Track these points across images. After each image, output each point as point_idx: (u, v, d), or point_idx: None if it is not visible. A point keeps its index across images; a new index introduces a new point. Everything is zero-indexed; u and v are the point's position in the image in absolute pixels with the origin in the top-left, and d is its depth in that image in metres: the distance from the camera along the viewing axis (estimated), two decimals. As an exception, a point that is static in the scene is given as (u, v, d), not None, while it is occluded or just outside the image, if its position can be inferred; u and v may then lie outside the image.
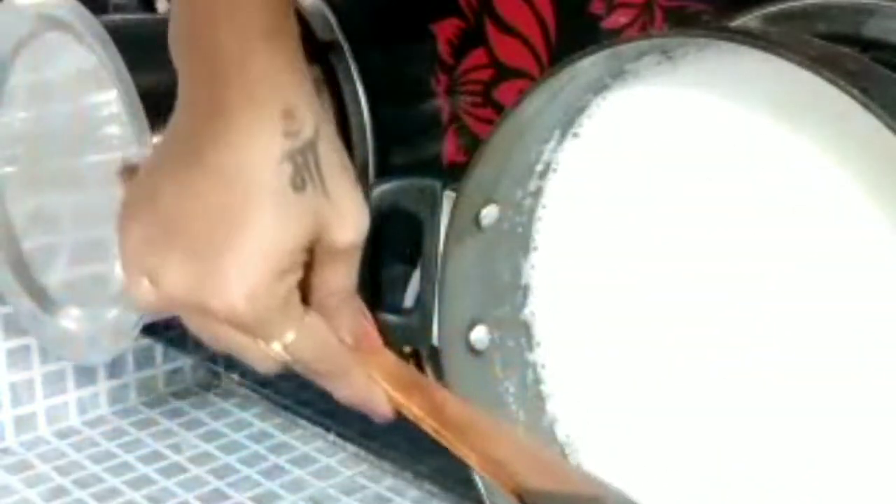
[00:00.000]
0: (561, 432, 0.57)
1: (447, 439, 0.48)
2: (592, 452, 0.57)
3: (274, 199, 0.44)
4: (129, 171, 0.50)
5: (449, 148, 0.72)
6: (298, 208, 0.45)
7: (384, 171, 0.72)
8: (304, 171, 0.45)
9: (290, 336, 0.47)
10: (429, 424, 0.48)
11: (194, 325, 0.48)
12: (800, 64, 0.40)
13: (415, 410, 0.49)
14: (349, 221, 0.47)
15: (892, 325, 0.45)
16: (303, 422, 0.85)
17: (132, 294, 0.48)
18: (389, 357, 0.51)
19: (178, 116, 0.47)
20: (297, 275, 0.46)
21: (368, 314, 0.51)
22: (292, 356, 0.47)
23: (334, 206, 0.46)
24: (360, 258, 0.49)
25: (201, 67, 0.46)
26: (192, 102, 0.46)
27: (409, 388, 0.50)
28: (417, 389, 0.50)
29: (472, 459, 0.47)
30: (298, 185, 0.45)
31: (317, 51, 0.74)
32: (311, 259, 0.47)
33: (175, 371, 0.92)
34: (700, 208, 0.51)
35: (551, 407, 0.57)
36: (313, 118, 0.46)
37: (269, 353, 0.47)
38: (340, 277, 0.48)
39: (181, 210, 0.45)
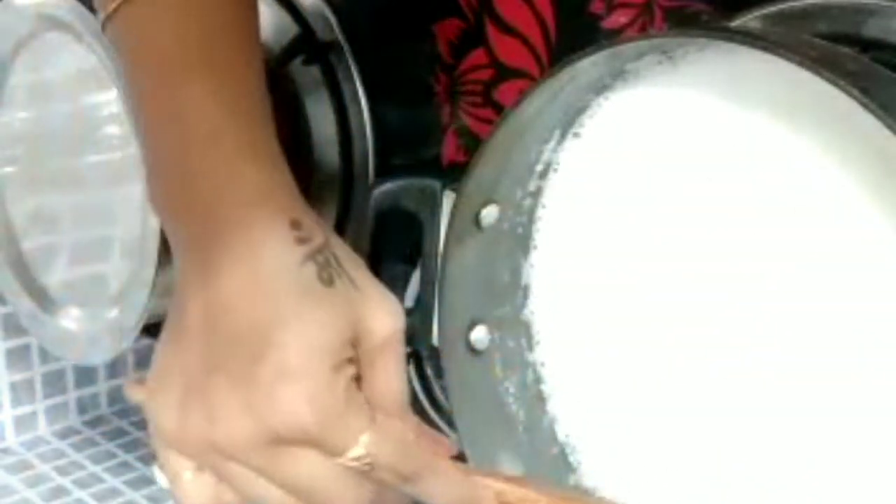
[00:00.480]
0: (561, 432, 0.57)
1: None
2: (592, 452, 0.57)
3: (306, 297, 0.43)
4: (137, 386, 0.48)
5: (449, 148, 0.72)
6: (333, 300, 0.44)
7: (384, 171, 0.72)
8: (328, 267, 0.44)
9: (365, 437, 0.43)
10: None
11: (263, 488, 0.43)
12: (800, 64, 0.40)
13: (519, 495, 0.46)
14: (385, 308, 0.46)
15: (893, 325, 0.45)
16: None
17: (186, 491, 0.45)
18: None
19: (181, 271, 0.46)
20: (352, 370, 0.44)
21: (427, 428, 0.48)
22: (375, 460, 0.43)
23: (366, 296, 0.45)
24: (404, 354, 0.47)
25: (194, 209, 0.45)
26: (191, 248, 0.45)
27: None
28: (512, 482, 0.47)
29: None
30: (326, 279, 0.44)
31: (317, 51, 0.74)
32: (357, 365, 0.45)
33: (175, 371, 0.92)
34: (700, 208, 0.51)
35: (551, 407, 0.57)
36: (319, 226, 0.45)
37: (350, 480, 0.43)
38: (391, 378, 0.46)
39: (212, 352, 0.43)
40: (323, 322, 0.43)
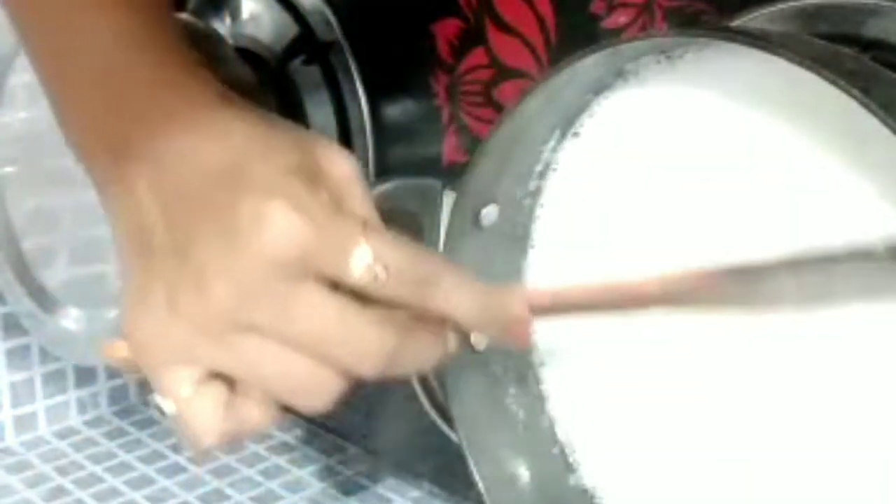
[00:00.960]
0: (561, 432, 0.57)
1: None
2: (592, 452, 0.56)
3: (261, 129, 0.41)
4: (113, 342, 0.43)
5: (449, 148, 0.72)
6: (287, 131, 0.42)
7: (384, 171, 0.72)
8: (266, 105, 0.43)
9: (365, 245, 0.38)
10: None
11: (256, 345, 0.39)
12: (800, 64, 0.40)
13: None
14: (338, 151, 0.42)
15: (893, 325, 0.45)
16: (303, 422, 0.85)
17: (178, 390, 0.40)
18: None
19: (107, 191, 0.44)
20: (326, 188, 0.40)
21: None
22: (384, 263, 0.39)
23: (316, 139, 0.42)
24: (368, 192, 0.43)
25: (120, 122, 0.43)
26: (119, 155, 0.43)
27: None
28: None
29: None
30: (274, 120, 0.42)
31: (317, 51, 0.74)
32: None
33: (175, 371, 0.92)
34: (699, 208, 0.51)
35: (551, 407, 0.57)
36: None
37: (368, 317, 0.38)
38: (365, 209, 0.42)
39: (181, 233, 0.40)
40: (286, 145, 0.40)
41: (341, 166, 0.41)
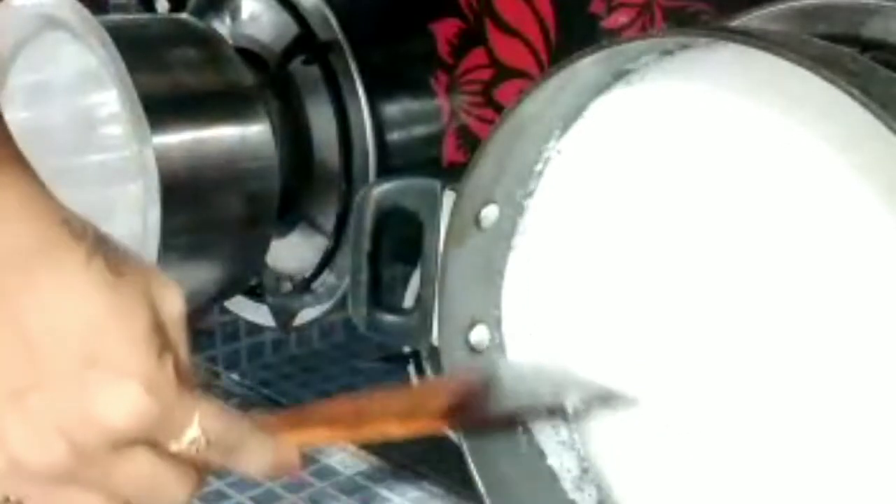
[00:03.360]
0: (560, 432, 0.57)
1: (365, 432, 0.48)
2: (592, 451, 0.56)
3: (105, 291, 0.42)
4: None
5: (449, 148, 0.72)
6: (131, 289, 0.42)
7: (384, 171, 0.73)
8: (112, 257, 0.42)
9: (197, 417, 0.43)
10: (342, 435, 0.49)
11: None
12: (800, 63, 0.40)
13: (321, 435, 0.49)
14: (171, 289, 0.44)
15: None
16: (303, 422, 0.85)
17: None
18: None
19: None
20: (171, 353, 0.43)
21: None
22: (209, 437, 0.43)
23: (152, 280, 0.44)
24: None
25: None
26: None
27: (298, 424, 0.48)
28: (303, 421, 0.49)
29: (393, 430, 0.48)
30: (115, 270, 0.42)
31: (317, 51, 0.74)
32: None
33: (175, 371, 0.92)
34: (701, 206, 0.51)
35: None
36: (82, 218, 0.44)
37: (179, 469, 0.43)
38: (187, 355, 0.45)
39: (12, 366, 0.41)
40: (132, 312, 0.42)
41: (173, 306, 0.44)
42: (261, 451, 0.45)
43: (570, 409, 0.51)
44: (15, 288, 0.41)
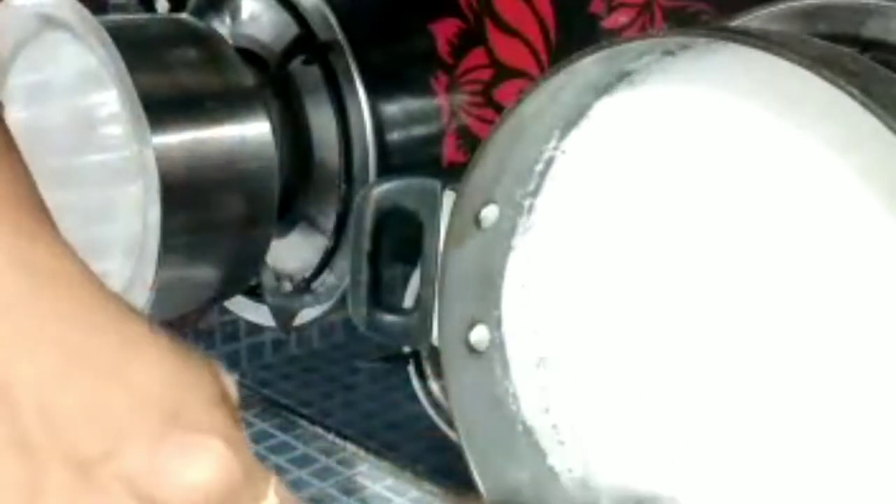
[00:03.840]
0: (561, 431, 0.57)
1: None
2: (592, 451, 0.56)
3: (173, 352, 0.40)
4: None
5: (449, 148, 0.72)
6: (192, 354, 0.41)
7: (384, 171, 0.73)
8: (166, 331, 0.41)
9: (272, 486, 0.41)
10: None
11: None
12: (800, 64, 0.40)
13: None
14: (224, 371, 0.43)
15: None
16: (303, 422, 0.85)
17: None
18: None
19: None
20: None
21: None
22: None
23: (206, 356, 0.42)
24: None
25: None
26: None
27: None
28: None
29: None
30: (175, 339, 0.40)
31: (317, 51, 0.74)
32: None
33: (175, 371, 0.92)
34: (702, 206, 0.51)
35: (552, 407, 0.57)
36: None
37: None
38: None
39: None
40: (203, 374, 0.40)
41: (230, 385, 0.42)
42: None
43: None
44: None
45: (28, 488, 0.37)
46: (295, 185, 0.76)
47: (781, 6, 0.51)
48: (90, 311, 0.40)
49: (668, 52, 0.49)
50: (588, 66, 0.48)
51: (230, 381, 0.42)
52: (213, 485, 0.38)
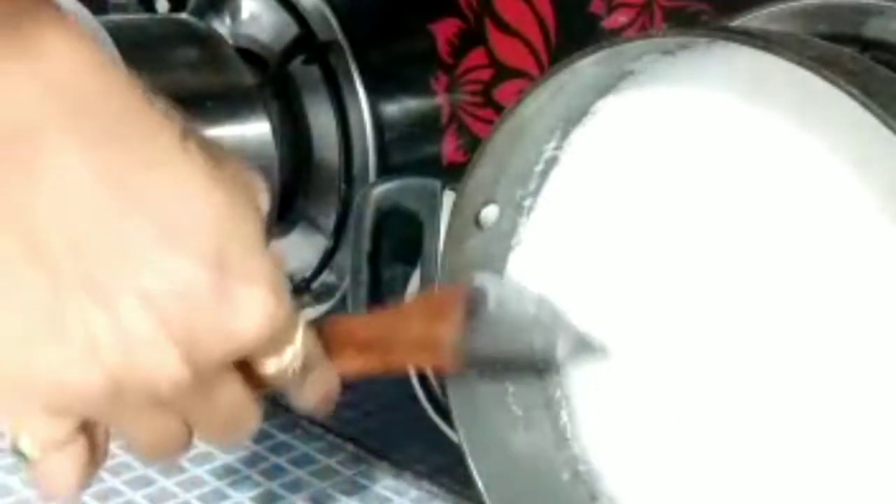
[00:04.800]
0: (561, 430, 0.57)
1: (391, 363, 0.46)
2: (593, 450, 0.57)
3: (212, 183, 0.36)
4: None
5: (449, 148, 0.72)
6: (233, 183, 0.37)
7: (384, 171, 0.73)
8: (207, 149, 0.36)
9: (300, 332, 0.39)
10: (369, 367, 0.45)
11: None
12: (800, 64, 0.40)
13: (352, 365, 0.45)
14: (261, 185, 0.40)
15: None
16: (303, 422, 0.85)
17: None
18: None
19: None
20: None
21: None
22: (306, 354, 0.40)
23: (243, 169, 0.39)
24: None
25: None
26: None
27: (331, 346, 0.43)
28: (335, 344, 0.44)
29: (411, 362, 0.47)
30: (213, 162, 0.36)
31: (317, 51, 0.74)
32: None
33: (175, 371, 0.92)
34: (702, 206, 0.51)
35: (552, 407, 0.57)
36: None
37: (255, 403, 0.40)
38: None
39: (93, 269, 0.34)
40: (245, 211, 0.37)
41: (264, 204, 0.40)
42: (324, 378, 0.42)
43: (558, 358, 0.49)
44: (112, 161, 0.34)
45: (49, 308, 0.34)
46: (295, 185, 0.76)
47: (781, 6, 0.51)
48: (122, 124, 0.35)
49: (669, 52, 0.49)
50: (588, 66, 0.48)
51: (263, 192, 0.39)
52: (258, 335, 0.37)
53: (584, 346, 0.50)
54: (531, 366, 0.50)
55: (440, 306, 0.47)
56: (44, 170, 0.34)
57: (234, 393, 0.39)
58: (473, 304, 0.47)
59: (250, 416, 0.40)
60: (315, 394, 0.43)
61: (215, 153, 0.37)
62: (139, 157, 0.35)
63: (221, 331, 0.36)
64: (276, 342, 0.39)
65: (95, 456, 0.40)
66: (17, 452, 0.38)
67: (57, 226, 0.34)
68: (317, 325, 0.43)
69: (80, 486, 0.39)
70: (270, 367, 0.39)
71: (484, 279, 0.48)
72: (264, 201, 0.39)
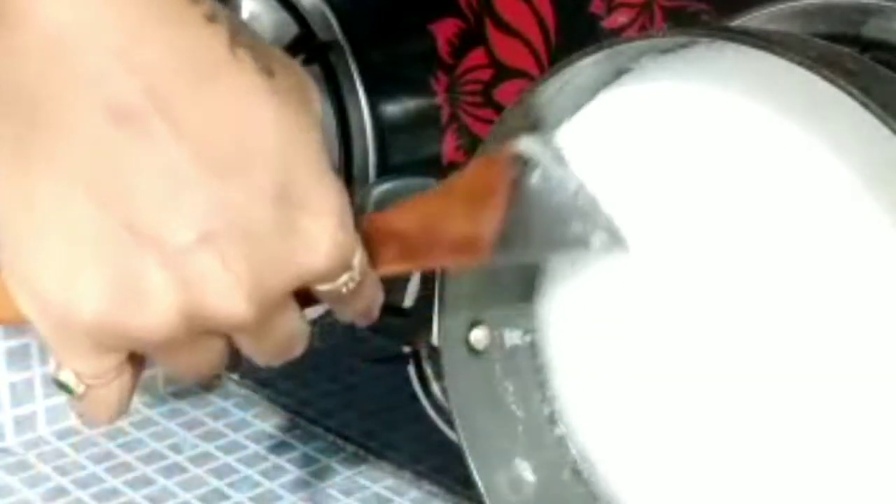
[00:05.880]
0: (561, 430, 0.57)
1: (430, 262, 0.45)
2: (593, 450, 0.57)
3: (268, 100, 0.33)
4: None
5: (449, 148, 0.72)
6: (289, 96, 0.34)
7: (384, 171, 0.73)
8: (257, 47, 0.33)
9: (359, 253, 0.38)
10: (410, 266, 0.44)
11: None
12: (800, 64, 0.40)
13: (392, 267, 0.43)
14: (316, 90, 0.37)
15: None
16: (303, 422, 0.85)
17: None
18: None
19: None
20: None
21: None
22: (361, 274, 0.38)
23: (301, 75, 0.36)
24: None
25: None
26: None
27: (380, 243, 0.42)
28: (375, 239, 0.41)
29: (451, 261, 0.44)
30: (267, 69, 0.34)
31: (317, 51, 0.74)
32: None
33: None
34: (701, 206, 0.51)
35: (551, 406, 0.57)
36: None
37: (307, 328, 0.38)
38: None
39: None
40: (307, 131, 0.35)
41: (321, 111, 0.37)
42: (370, 293, 0.40)
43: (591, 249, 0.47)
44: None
45: (104, 251, 0.33)
46: (295, 185, 0.76)
47: (781, 6, 0.51)
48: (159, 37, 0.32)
49: (668, 51, 0.49)
50: (588, 66, 0.48)
51: (317, 98, 0.36)
52: (326, 268, 0.36)
53: (617, 241, 0.48)
54: (560, 257, 0.48)
55: (485, 187, 0.44)
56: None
57: (292, 321, 0.38)
58: (517, 179, 0.44)
59: (303, 339, 0.39)
60: (360, 309, 0.41)
61: (267, 55, 0.34)
62: (183, 76, 0.32)
63: (287, 266, 0.35)
64: (338, 269, 0.37)
65: (138, 379, 0.38)
66: (60, 384, 0.38)
67: (100, 166, 0.32)
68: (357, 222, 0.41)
69: (125, 411, 0.38)
70: (324, 288, 0.37)
71: (531, 144, 0.46)
72: (318, 108, 0.37)
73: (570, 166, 0.49)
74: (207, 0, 0.33)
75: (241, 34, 0.33)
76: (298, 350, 0.39)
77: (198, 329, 0.35)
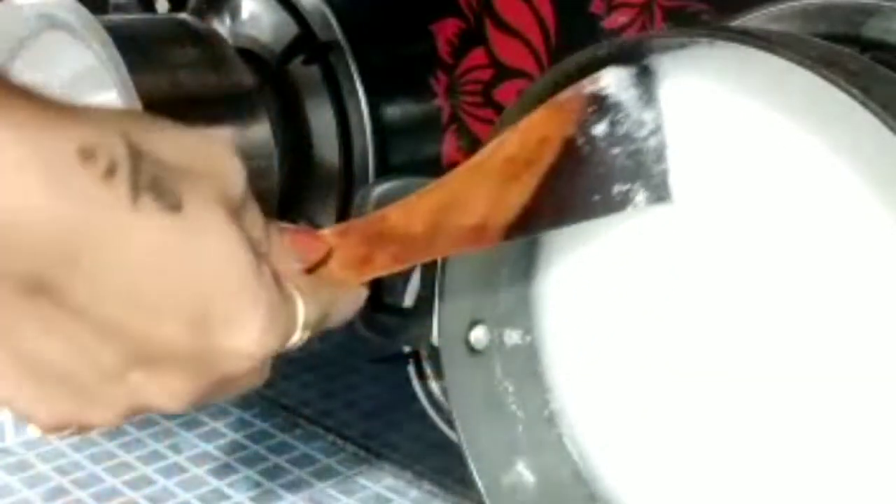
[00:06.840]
0: (561, 430, 0.57)
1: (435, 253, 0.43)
2: (593, 449, 0.56)
3: (175, 238, 0.34)
4: None
5: (449, 148, 0.72)
6: (199, 220, 0.35)
7: (384, 171, 0.73)
8: (162, 183, 0.33)
9: (301, 311, 0.39)
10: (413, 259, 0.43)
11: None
12: (800, 64, 0.40)
13: (381, 264, 0.42)
14: (233, 165, 0.37)
15: None
16: (303, 422, 0.85)
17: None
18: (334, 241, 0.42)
19: None
20: (263, 253, 0.38)
21: (281, 223, 0.41)
22: (318, 320, 0.40)
23: (214, 160, 0.37)
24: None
25: None
26: None
27: (372, 245, 0.42)
28: (373, 245, 0.42)
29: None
30: (172, 205, 0.34)
31: (317, 51, 0.74)
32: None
33: (175, 371, 0.92)
34: (700, 206, 0.51)
35: (554, 407, 0.57)
36: (106, 123, 0.33)
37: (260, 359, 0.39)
38: (259, 216, 0.39)
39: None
40: (216, 248, 0.35)
41: (237, 185, 0.37)
42: (348, 303, 0.42)
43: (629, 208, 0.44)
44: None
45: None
46: (295, 185, 0.76)
47: (781, 6, 0.51)
48: None
49: (668, 51, 0.49)
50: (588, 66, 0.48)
51: (237, 178, 0.37)
52: (250, 368, 0.38)
53: (662, 196, 0.45)
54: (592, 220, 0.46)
55: (528, 155, 0.42)
56: None
57: (251, 377, 0.39)
58: (574, 135, 0.41)
59: (261, 374, 0.40)
60: (341, 319, 0.42)
61: (174, 177, 0.34)
62: (82, 249, 0.32)
63: (223, 384, 0.38)
64: (275, 351, 0.38)
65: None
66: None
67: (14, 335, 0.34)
68: (351, 225, 0.42)
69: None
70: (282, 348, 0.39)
71: (619, 75, 0.42)
72: (240, 180, 0.37)
73: (656, 103, 0.46)
74: (105, 152, 0.32)
75: (142, 170, 0.33)
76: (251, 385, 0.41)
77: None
